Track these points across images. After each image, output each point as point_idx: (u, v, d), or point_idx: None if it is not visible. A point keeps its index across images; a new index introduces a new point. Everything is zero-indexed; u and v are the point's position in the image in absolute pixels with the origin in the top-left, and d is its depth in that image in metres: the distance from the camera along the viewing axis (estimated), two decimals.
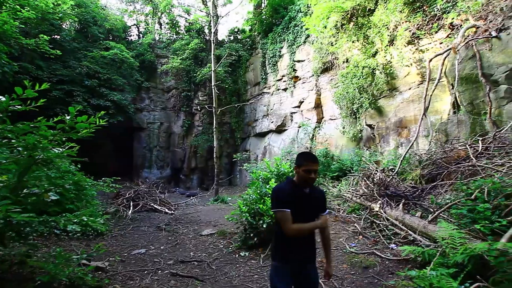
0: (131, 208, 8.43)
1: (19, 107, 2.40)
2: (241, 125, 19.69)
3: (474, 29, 6.62)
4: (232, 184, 18.65)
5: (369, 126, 11.20)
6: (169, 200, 10.14)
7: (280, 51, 16.58)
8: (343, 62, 12.35)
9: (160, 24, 20.94)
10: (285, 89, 16.49)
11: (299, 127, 14.13)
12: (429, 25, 8.94)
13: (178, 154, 19.32)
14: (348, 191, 5.96)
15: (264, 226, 4.03)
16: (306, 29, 12.61)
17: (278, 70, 16.76)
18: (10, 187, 2.26)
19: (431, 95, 6.40)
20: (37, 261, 3.01)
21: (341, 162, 9.79)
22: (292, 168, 6.92)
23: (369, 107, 10.58)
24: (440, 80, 6.66)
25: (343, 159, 10.36)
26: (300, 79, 15.56)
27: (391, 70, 9.91)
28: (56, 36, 13.92)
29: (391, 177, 5.94)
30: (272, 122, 17.08)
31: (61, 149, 2.88)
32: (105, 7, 18.77)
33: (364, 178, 5.89)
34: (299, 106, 15.61)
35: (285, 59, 16.12)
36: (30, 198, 2.38)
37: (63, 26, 15.12)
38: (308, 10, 13.67)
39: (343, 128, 12.45)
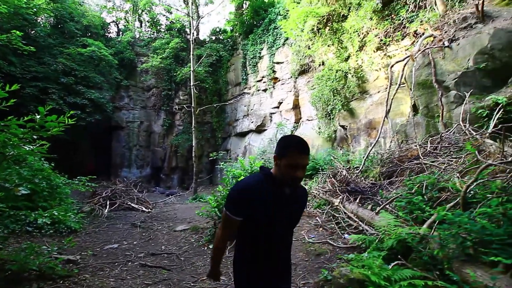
0: (108, 207, 8.46)
1: None
2: (222, 124, 19.87)
3: (431, 38, 7.21)
4: (212, 183, 18.79)
5: (342, 127, 11.74)
6: (146, 199, 10.20)
7: (260, 53, 16.91)
8: (319, 65, 12.85)
9: (141, 22, 20.73)
10: (265, 90, 16.84)
11: (278, 127, 14.51)
12: (395, 33, 9.57)
13: (159, 153, 19.23)
14: (316, 188, 6.36)
15: None
16: (280, 34, 13.00)
17: (258, 71, 17.09)
18: None
19: (392, 99, 6.92)
20: (8, 254, 3.14)
21: (315, 161, 10.23)
22: None
23: (342, 108, 11.11)
24: (402, 85, 7.20)
25: (317, 158, 10.81)
26: (279, 80, 15.96)
27: (362, 74, 10.47)
28: (30, 31, 13.54)
29: (355, 174, 6.40)
30: (252, 122, 17.38)
31: (31, 147, 3.04)
32: (83, 2, 18.35)
33: (331, 175, 6.31)
34: (278, 107, 16.01)
35: (265, 60, 16.47)
36: (0, 193, 2.54)
37: (38, 21, 14.70)
38: (287, 13, 14.06)
39: (319, 128, 12.94)
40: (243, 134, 18.32)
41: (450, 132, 5.21)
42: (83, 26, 16.21)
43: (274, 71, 15.95)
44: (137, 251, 4.42)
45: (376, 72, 10.16)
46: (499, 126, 4.79)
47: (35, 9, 12.04)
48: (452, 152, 4.74)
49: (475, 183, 2.60)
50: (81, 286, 2.93)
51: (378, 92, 10.15)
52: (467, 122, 5.37)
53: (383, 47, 9.89)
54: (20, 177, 3.06)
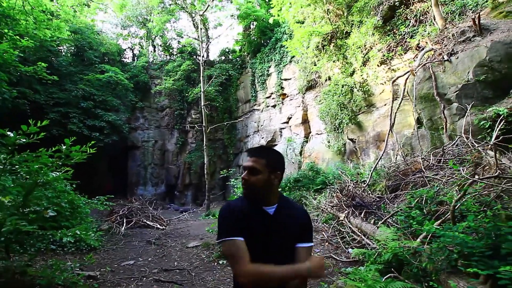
0: (124, 224, 8.81)
1: (24, 140, 2.94)
2: (234, 141, 20.28)
3: (432, 52, 7.38)
4: (225, 199, 19.02)
5: (351, 140, 11.82)
6: (161, 216, 10.51)
7: (268, 70, 17.43)
8: (325, 80, 13.14)
9: (154, 47, 21.88)
10: (274, 106, 17.22)
11: (287, 142, 14.73)
12: (398, 47, 9.79)
13: (172, 171, 19.74)
14: (324, 203, 6.48)
15: None
16: (287, 52, 13.46)
17: (267, 88, 17.56)
18: (16, 206, 2.77)
19: (395, 113, 7.06)
20: (36, 271, 3.47)
21: (325, 175, 10.32)
22: None
23: (350, 122, 11.25)
24: (406, 98, 7.34)
25: (326, 172, 10.89)
26: (287, 96, 16.32)
27: (367, 88, 10.66)
28: (53, 61, 14.63)
29: (362, 188, 6.48)
30: (262, 137, 17.69)
31: (57, 173, 3.42)
32: (101, 31, 19.67)
33: (338, 190, 6.43)
34: (287, 122, 16.29)
35: (273, 77, 16.94)
36: (32, 215, 2.89)
37: (60, 51, 15.89)
38: (292, 32, 14.58)
39: (328, 142, 13.05)
40: None
41: (453, 145, 5.29)
42: (101, 53, 17.34)
43: (282, 88, 16.36)
44: (152, 267, 4.68)
45: (381, 85, 10.32)
46: (500, 137, 4.87)
47: (58, 42, 13.05)
48: (455, 165, 4.82)
49: (465, 197, 2.72)
50: None
51: (385, 105, 10.26)
52: (470, 133, 5.43)
53: (386, 61, 10.09)
54: (48, 200, 3.43)
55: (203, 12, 15.42)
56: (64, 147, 3.17)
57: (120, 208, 10.13)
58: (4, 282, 2.97)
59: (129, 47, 21.86)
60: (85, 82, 15.17)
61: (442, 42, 7.27)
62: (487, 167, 3.64)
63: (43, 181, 3.18)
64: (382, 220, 3.88)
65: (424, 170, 4.85)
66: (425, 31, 8.43)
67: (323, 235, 5.00)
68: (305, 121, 15.20)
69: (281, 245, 1.37)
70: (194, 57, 20.28)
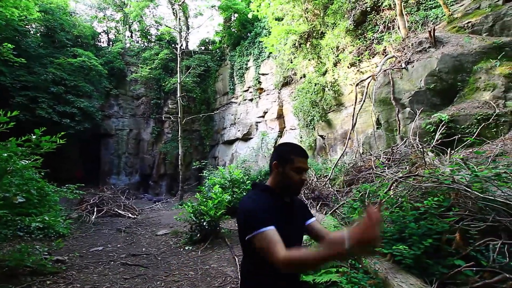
0: (95, 213, 8.86)
1: None
2: (210, 132, 20.40)
3: (393, 59, 8.00)
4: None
5: (321, 136, 12.45)
6: (133, 206, 10.60)
7: (246, 64, 17.62)
8: (300, 77, 13.63)
9: (131, 32, 21.24)
10: (251, 100, 17.50)
11: (262, 136, 15.15)
12: (367, 51, 10.40)
13: (147, 160, 19.57)
14: None
15: (205, 224, 4.89)
16: (265, 47, 13.73)
17: (245, 81, 17.78)
18: None
19: (358, 114, 7.64)
20: (3, 255, 3.62)
21: None
22: (242, 175, 7.83)
23: (320, 119, 11.84)
24: (369, 100, 7.94)
25: None
26: (264, 90, 16.67)
27: (337, 88, 11.25)
28: (21, 41, 13.89)
29: (324, 182, 7.04)
30: (238, 130, 17.98)
31: (26, 161, 3.57)
32: (74, 12, 18.79)
33: None
34: (263, 116, 16.67)
35: (251, 71, 17.18)
36: (1, 201, 3.05)
37: (29, 32, 15.07)
38: (271, 28, 14.85)
39: (301, 137, 13.62)
40: (230, 142, 18.87)
41: (400, 145, 5.92)
42: (74, 36, 16.64)
43: (259, 82, 16.66)
44: (120, 252, 4.92)
45: (350, 86, 10.94)
46: (439, 140, 5.54)
47: (26, 22, 12.42)
48: (400, 163, 5.43)
49: (392, 192, 3.27)
50: (68, 280, 3.44)
51: (352, 105, 10.91)
52: (417, 136, 6.09)
53: (356, 63, 10.70)
54: (18, 187, 3.56)
55: (183, 2, 15.21)
56: (34, 136, 3.32)
57: (91, 197, 10.10)
58: None
59: (104, 31, 21.05)
60: (56, 65, 14.57)
61: (403, 50, 7.91)
62: (422, 166, 4.22)
63: (12, 169, 3.33)
64: (331, 211, 4.39)
65: (374, 167, 5.42)
66: (390, 38, 9.06)
67: None
68: (280, 116, 15.66)
69: (298, 231, 1.48)
70: (173, 45, 19.98)
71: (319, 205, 5.37)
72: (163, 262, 4.37)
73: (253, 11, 13.08)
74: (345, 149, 7.80)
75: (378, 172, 4.89)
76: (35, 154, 3.69)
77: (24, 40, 13.81)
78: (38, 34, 15.78)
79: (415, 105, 6.67)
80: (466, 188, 2.47)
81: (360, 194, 4.20)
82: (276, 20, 13.78)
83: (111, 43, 20.34)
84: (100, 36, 20.26)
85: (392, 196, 3.20)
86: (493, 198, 2.31)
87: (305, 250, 1.22)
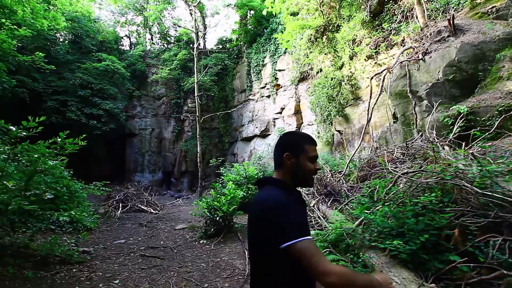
0: (120, 208, 9.42)
1: (24, 134, 3.43)
2: (229, 130, 20.72)
3: (411, 50, 7.73)
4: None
5: (339, 131, 12.28)
6: (155, 202, 11.11)
7: (263, 60, 17.67)
8: (317, 72, 13.47)
9: (151, 35, 21.98)
10: (268, 96, 17.55)
11: (278, 132, 15.19)
12: (385, 42, 10.09)
13: (169, 158, 20.28)
14: (302, 190, 7.03)
15: (218, 219, 5.10)
16: (280, 43, 13.69)
17: (262, 78, 17.85)
18: (19, 189, 3.28)
19: (372, 108, 7.49)
20: (37, 245, 4.03)
21: None
22: (257, 172, 7.98)
23: (337, 114, 11.68)
24: (384, 95, 7.76)
25: None
26: (281, 87, 16.65)
27: (354, 81, 11.02)
28: (51, 49, 14.89)
29: (338, 178, 7.01)
30: (256, 127, 18.13)
31: (54, 161, 3.92)
32: (98, 19, 19.75)
33: (316, 179, 6.96)
34: (280, 112, 16.67)
35: (268, 68, 17.21)
36: (33, 197, 3.41)
37: (58, 40, 16.11)
38: (286, 24, 14.76)
39: (318, 133, 13.52)
40: (248, 139, 19.06)
41: (415, 140, 5.76)
42: (98, 41, 17.53)
43: (276, 78, 16.66)
44: (140, 245, 5.27)
45: (367, 79, 10.64)
46: (457, 134, 5.35)
47: (55, 31, 13.28)
48: (416, 158, 5.31)
49: (396, 187, 3.23)
50: (92, 269, 3.80)
51: (373, 97, 10.66)
52: (435, 130, 5.89)
53: (373, 55, 10.42)
54: (47, 185, 3.94)
55: (197, 3, 15.51)
56: (59, 139, 3.65)
57: (117, 194, 10.72)
58: (10, 253, 3.53)
59: (126, 35, 21.96)
60: (83, 70, 15.47)
61: (421, 41, 7.62)
62: (434, 161, 4.13)
63: (41, 168, 3.69)
64: (340, 206, 4.41)
65: (387, 162, 5.34)
66: (408, 28, 8.73)
67: None
68: (297, 112, 15.60)
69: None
70: (191, 45, 20.43)
71: (330, 201, 5.39)
72: (178, 254, 4.65)
73: (267, 7, 13.07)
74: (360, 144, 7.70)
75: (389, 168, 4.83)
76: (61, 155, 4.04)
77: (54, 48, 14.79)
78: (66, 42, 16.81)
79: (432, 98, 6.44)
80: (466, 184, 2.43)
81: (370, 190, 4.19)
82: (291, 15, 13.70)
83: (132, 46, 21.17)
84: (122, 40, 21.17)
85: (398, 191, 3.18)
86: (491, 194, 2.26)
87: (349, 269, 1.18)
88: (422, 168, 3.34)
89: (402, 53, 7.68)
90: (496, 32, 6.15)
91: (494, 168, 2.82)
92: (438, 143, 5.30)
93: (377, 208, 2.98)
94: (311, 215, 5.37)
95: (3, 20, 10.12)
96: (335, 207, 4.79)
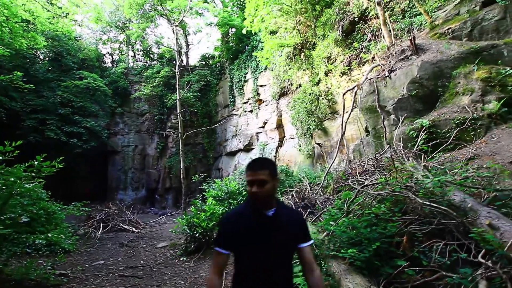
0: (101, 229, 9.26)
1: (1, 158, 3.49)
2: (213, 145, 20.82)
3: (379, 67, 8.28)
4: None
5: (318, 144, 12.69)
6: (138, 220, 10.97)
7: (245, 76, 18.12)
8: (296, 88, 13.99)
9: (134, 52, 22.12)
10: (251, 111, 17.90)
11: (261, 146, 15.46)
12: (357, 60, 10.72)
13: (153, 175, 20.05)
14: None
15: (197, 235, 5.20)
16: (259, 61, 14.16)
17: (244, 93, 18.25)
18: None
19: (345, 123, 7.90)
20: (12, 270, 3.99)
21: (292, 178, 11.10)
22: (239, 187, 8.13)
23: (316, 128, 12.11)
24: (354, 109, 8.20)
25: (295, 175, 11.70)
26: (263, 101, 17.07)
27: (331, 96, 11.54)
28: (30, 67, 14.72)
29: (316, 191, 7.27)
30: (240, 142, 18.35)
31: (31, 184, 3.97)
32: (79, 37, 19.76)
33: (292, 192, 7.20)
34: (263, 127, 17.01)
35: (250, 83, 17.65)
36: (8, 221, 3.43)
37: (37, 58, 15.97)
38: (264, 43, 15.34)
39: (300, 146, 13.88)
40: (233, 153, 19.20)
41: (383, 152, 6.15)
42: (79, 59, 17.50)
43: (258, 94, 17.09)
44: (119, 265, 5.25)
45: (345, 94, 11.23)
46: (418, 146, 5.75)
47: (34, 50, 13.21)
48: (384, 170, 5.65)
49: (358, 200, 3.52)
50: None
51: (346, 112, 11.17)
52: (401, 142, 6.30)
53: (347, 72, 11.01)
54: (23, 208, 3.95)
55: (179, 23, 15.91)
56: (36, 163, 3.72)
57: (98, 213, 10.52)
58: None
59: (108, 52, 22.00)
60: (63, 88, 15.34)
61: (388, 59, 8.19)
62: (396, 172, 4.45)
63: (18, 191, 3.73)
64: (314, 218, 4.64)
65: (358, 174, 5.66)
66: (377, 47, 9.36)
67: None
68: (279, 126, 15.98)
69: (281, 245, 1.48)
70: (174, 62, 20.71)
71: (307, 213, 5.61)
72: (158, 273, 4.68)
73: (247, 27, 13.60)
74: (335, 157, 8.05)
75: (358, 180, 5.13)
76: (38, 177, 4.09)
77: (33, 67, 14.64)
78: (46, 60, 16.67)
79: (399, 112, 6.90)
80: (410, 195, 2.72)
81: (341, 202, 4.44)
82: (270, 33, 14.29)
83: (115, 63, 21.20)
84: (104, 57, 21.18)
85: (359, 203, 3.45)
86: (431, 204, 2.55)
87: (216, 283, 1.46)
88: (382, 181, 3.63)
89: (371, 70, 8.21)
90: (452, 51, 6.76)
91: (444, 179, 3.14)
92: (403, 155, 5.69)
93: (341, 220, 3.21)
94: None
95: None
96: (310, 220, 5.00)
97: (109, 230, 9.43)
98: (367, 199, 3.36)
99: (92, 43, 20.91)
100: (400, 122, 6.51)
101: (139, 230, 9.61)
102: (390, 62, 7.87)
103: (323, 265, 2.75)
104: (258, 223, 1.49)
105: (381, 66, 8.06)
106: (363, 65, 10.51)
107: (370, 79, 7.64)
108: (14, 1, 10.15)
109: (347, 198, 4.32)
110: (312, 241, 1.59)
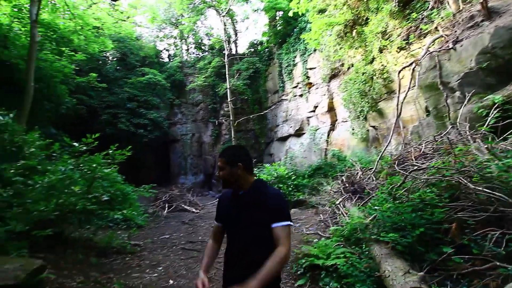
0: (166, 208, 10.44)
1: (85, 148, 4.22)
2: (264, 130, 21.18)
3: (442, 39, 7.39)
4: None
5: (373, 127, 11.99)
6: (197, 202, 12.01)
7: (294, 60, 17.80)
8: (348, 68, 13.27)
9: (187, 46, 23.43)
10: (301, 95, 17.64)
11: (311, 131, 15.24)
12: (417, 32, 9.65)
13: (209, 161, 21.42)
14: (329, 189, 7.17)
15: None
16: (307, 43, 13.72)
17: (293, 78, 18.00)
18: (83, 193, 4.09)
19: (402, 103, 7.32)
20: (99, 239, 4.88)
21: (344, 162, 10.80)
22: (288, 172, 8.30)
23: (370, 110, 11.42)
24: (412, 88, 7.53)
25: (347, 160, 11.34)
26: (313, 85, 16.62)
27: (387, 74, 10.69)
28: (102, 68, 16.83)
29: (368, 176, 7.03)
30: (291, 127, 18.31)
31: (108, 169, 4.73)
32: (139, 37, 21.67)
33: (343, 177, 7.06)
34: (314, 111, 16.64)
35: (299, 67, 17.30)
36: (94, 199, 4.20)
37: (107, 60, 18.14)
38: (311, 24, 14.73)
39: (353, 129, 13.30)
40: (284, 139, 19.31)
41: (445, 134, 5.57)
42: (141, 57, 19.29)
43: (308, 77, 16.68)
44: (181, 240, 6.01)
45: (402, 71, 10.29)
46: (490, 125, 5.11)
47: (104, 52, 15.03)
48: (442, 153, 5.19)
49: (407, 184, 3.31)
50: (141, 258, 4.56)
51: (404, 91, 10.25)
52: (467, 121, 5.66)
53: (406, 46, 10.02)
54: (104, 189, 4.76)
55: (226, 12, 16.26)
56: (111, 151, 4.41)
57: (163, 195, 11.82)
58: (79, 244, 4.37)
59: (165, 48, 23.71)
60: (129, 85, 17.21)
61: (453, 28, 7.24)
62: (456, 155, 4.07)
63: (99, 175, 4.50)
64: (362, 203, 4.54)
65: (413, 158, 5.30)
66: (439, 15, 8.29)
67: (321, 217, 5.77)
68: (331, 109, 15.44)
69: (251, 221, 1.64)
70: (224, 52, 21.36)
71: (356, 198, 5.50)
72: None
73: (293, 8, 13.23)
74: (389, 141, 7.57)
75: (413, 164, 4.84)
76: (113, 163, 4.84)
77: (104, 68, 16.69)
78: (114, 60, 18.81)
79: (465, 88, 6.14)
80: (461, 179, 2.50)
81: (391, 187, 4.28)
82: (318, 13, 13.65)
83: (171, 58, 22.80)
84: (162, 53, 22.91)
85: (408, 188, 3.29)
86: (485, 190, 2.32)
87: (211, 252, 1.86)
88: (434, 165, 3.38)
89: (432, 43, 7.38)
90: None
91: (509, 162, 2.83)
92: (469, 136, 5.13)
93: (385, 204, 3.13)
94: (337, 212, 5.54)
95: (63, 49, 11.81)
96: (358, 204, 4.91)
97: (173, 210, 10.56)
98: (415, 184, 3.19)
99: (151, 41, 22.74)
100: (467, 100, 5.80)
101: (198, 211, 10.55)
102: (455, 31, 6.95)
103: (364, 248, 2.77)
104: (230, 202, 1.78)
105: (445, 37, 7.18)
106: (424, 37, 9.43)
107: (431, 52, 6.89)
108: (85, 11, 11.63)
109: (396, 183, 4.16)
110: (285, 223, 1.62)
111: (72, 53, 12.27)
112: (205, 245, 1.86)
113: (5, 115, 4.92)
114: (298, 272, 3.32)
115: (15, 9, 9.67)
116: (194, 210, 10.69)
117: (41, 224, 3.69)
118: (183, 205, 11.14)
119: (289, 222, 1.63)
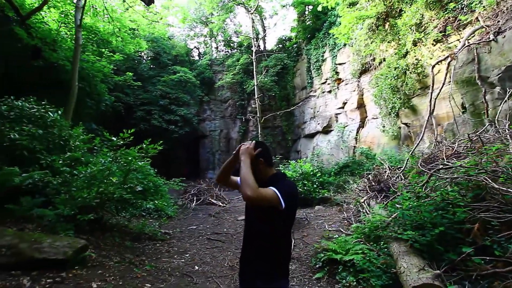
0: (194, 201, 10.91)
1: (122, 142, 4.60)
2: (292, 127, 21.11)
3: (483, 30, 6.90)
4: None
5: (405, 124, 11.48)
6: (224, 196, 12.37)
7: (323, 56, 17.48)
8: (380, 62, 12.76)
9: (216, 44, 23.95)
10: (329, 91, 17.29)
11: (339, 128, 14.93)
12: (455, 23, 9.05)
13: None
14: (355, 187, 7.06)
15: None
16: (336, 38, 13.41)
17: (322, 73, 17.69)
18: (120, 183, 4.49)
19: (435, 99, 6.97)
20: (133, 226, 5.31)
21: (373, 161, 10.51)
22: (313, 169, 8.30)
23: (402, 106, 10.94)
24: (448, 83, 7.14)
25: (376, 158, 11.00)
26: (342, 81, 16.22)
27: (421, 69, 10.16)
28: (137, 67, 17.81)
29: (397, 174, 6.82)
30: (318, 124, 18.06)
31: (142, 162, 5.11)
32: (171, 36, 22.55)
33: (369, 176, 6.91)
34: (343, 107, 16.27)
35: (328, 62, 16.96)
36: (129, 189, 4.59)
37: (142, 59, 19.16)
38: (341, 18, 14.34)
39: (383, 127, 12.83)
40: (311, 136, 19.11)
41: (481, 132, 5.24)
42: (173, 56, 20.10)
43: (337, 72, 16.31)
44: (207, 231, 6.34)
45: (436, 65, 9.73)
46: None
47: (139, 52, 15.91)
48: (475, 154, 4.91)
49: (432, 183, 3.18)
50: (170, 245, 4.92)
51: (437, 88, 9.68)
52: (507, 119, 5.30)
53: (442, 39, 9.45)
54: (138, 180, 5.18)
55: (255, 9, 16.36)
56: (144, 145, 4.78)
57: (192, 189, 12.35)
58: (116, 230, 4.80)
59: (195, 47, 24.43)
60: (162, 83, 18.05)
61: (495, 18, 6.73)
62: (488, 154, 3.86)
63: (134, 168, 4.89)
64: (386, 202, 4.45)
65: (445, 157, 5.08)
66: (480, 4, 7.71)
67: (345, 214, 5.74)
68: (360, 106, 15.00)
69: (255, 217, 1.80)
70: (252, 49, 21.54)
71: (382, 196, 5.40)
72: (237, 239, 5.45)
73: (323, 2, 12.99)
74: (420, 139, 7.25)
75: (444, 163, 4.65)
76: (146, 156, 5.22)
77: (139, 67, 17.66)
78: (148, 60, 19.82)
79: (507, 83, 5.73)
80: (486, 179, 2.40)
81: (417, 186, 4.18)
82: (349, 6, 13.25)
83: (201, 56, 23.47)
84: (192, 51, 23.65)
85: (432, 187, 3.20)
86: (508, 189, 2.21)
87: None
88: (458, 164, 3.24)
89: (471, 34, 6.91)
90: None
91: None
92: (508, 135, 4.81)
93: (406, 203, 3.09)
94: (361, 210, 5.49)
95: (103, 50, 12.71)
96: (383, 203, 4.82)
97: (200, 203, 11.01)
98: (440, 183, 3.10)
99: (182, 40, 23.58)
100: (508, 95, 5.41)
101: (224, 205, 10.90)
102: (498, 21, 6.45)
103: (382, 245, 2.78)
104: None
105: (486, 28, 6.69)
106: (463, 29, 8.82)
107: (469, 45, 6.47)
108: (122, 14, 12.40)
109: (420, 182, 4.05)
110: (273, 188, 1.64)
111: (111, 54, 13.15)
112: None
113: (54, 112, 5.52)
114: (317, 266, 3.40)
115: (62, 15, 10.60)
116: (220, 204, 11.05)
117: (84, 210, 4.15)
118: (210, 199, 11.55)
119: (275, 189, 1.61)
